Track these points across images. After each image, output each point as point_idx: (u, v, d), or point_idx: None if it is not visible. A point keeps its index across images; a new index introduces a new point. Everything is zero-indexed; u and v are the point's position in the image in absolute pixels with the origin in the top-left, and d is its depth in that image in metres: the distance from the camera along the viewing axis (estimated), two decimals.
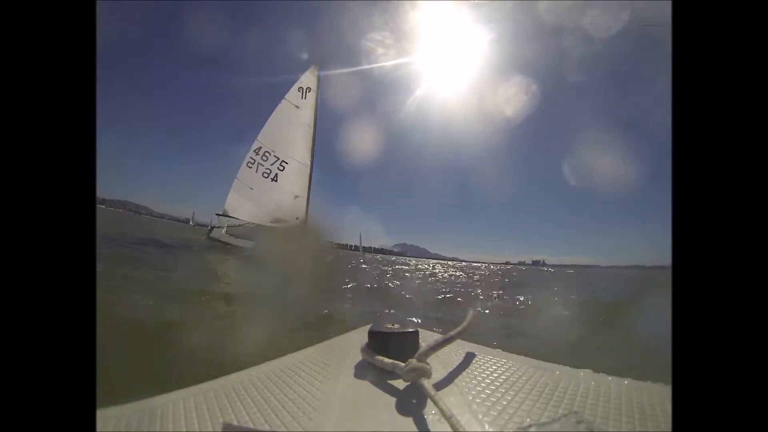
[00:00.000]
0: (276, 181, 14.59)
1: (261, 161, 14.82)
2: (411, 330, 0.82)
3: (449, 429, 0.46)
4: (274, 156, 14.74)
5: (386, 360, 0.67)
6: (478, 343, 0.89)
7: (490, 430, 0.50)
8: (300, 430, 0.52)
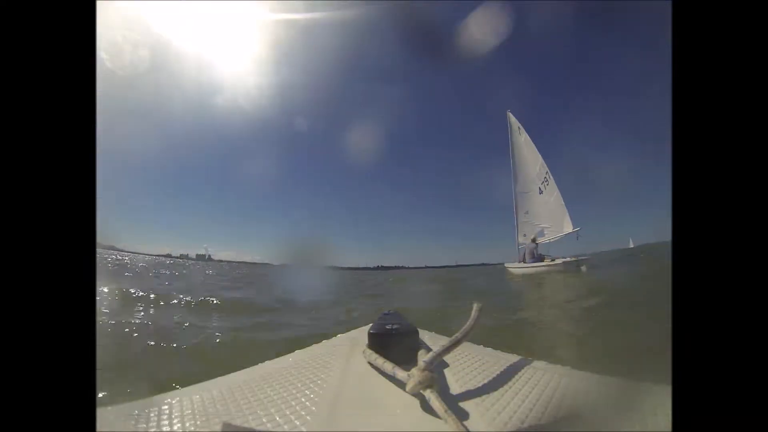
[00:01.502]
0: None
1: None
2: (411, 330, 0.82)
3: (449, 429, 0.46)
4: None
5: (387, 364, 0.67)
6: (478, 342, 0.89)
7: (490, 430, 0.50)
8: (300, 430, 0.52)
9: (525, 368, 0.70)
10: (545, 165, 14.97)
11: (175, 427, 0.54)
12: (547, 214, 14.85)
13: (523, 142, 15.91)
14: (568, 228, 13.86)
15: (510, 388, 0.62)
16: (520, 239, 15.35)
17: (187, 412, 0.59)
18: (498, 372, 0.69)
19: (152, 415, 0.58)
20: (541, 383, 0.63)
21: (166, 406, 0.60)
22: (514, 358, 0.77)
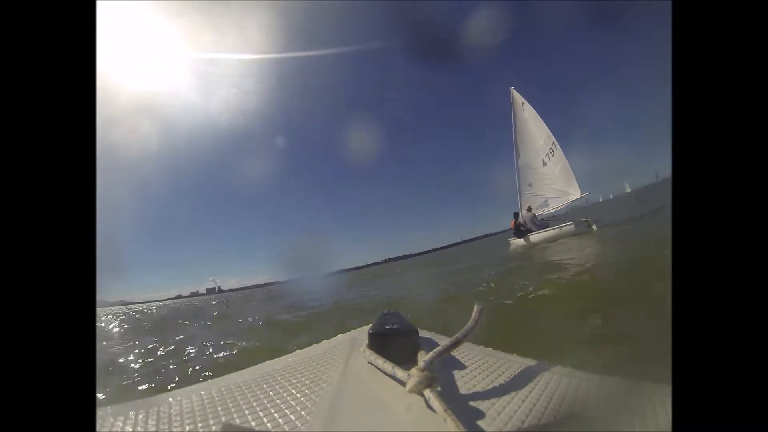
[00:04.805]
0: None
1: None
2: (411, 330, 0.81)
3: (449, 429, 0.46)
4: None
5: (387, 364, 0.67)
6: (479, 342, 0.89)
7: (490, 430, 0.50)
8: (300, 430, 0.52)
9: (525, 368, 0.70)
10: (551, 136, 14.36)
11: (175, 427, 0.54)
12: (551, 185, 14.31)
13: (527, 117, 15.28)
14: (576, 194, 13.20)
15: (510, 388, 0.62)
16: (524, 213, 14.37)
17: (187, 412, 0.59)
18: (498, 372, 0.69)
19: (152, 415, 0.58)
20: (541, 383, 0.63)
21: (165, 406, 0.60)
22: (514, 358, 0.77)
